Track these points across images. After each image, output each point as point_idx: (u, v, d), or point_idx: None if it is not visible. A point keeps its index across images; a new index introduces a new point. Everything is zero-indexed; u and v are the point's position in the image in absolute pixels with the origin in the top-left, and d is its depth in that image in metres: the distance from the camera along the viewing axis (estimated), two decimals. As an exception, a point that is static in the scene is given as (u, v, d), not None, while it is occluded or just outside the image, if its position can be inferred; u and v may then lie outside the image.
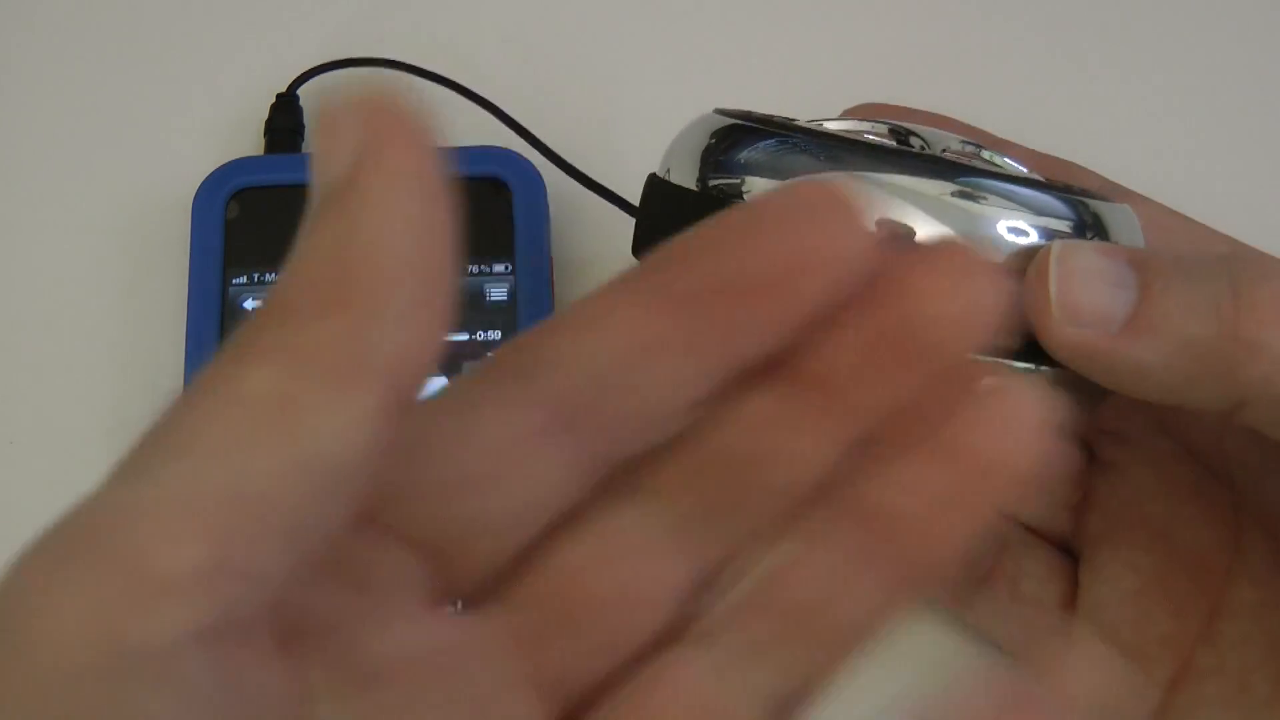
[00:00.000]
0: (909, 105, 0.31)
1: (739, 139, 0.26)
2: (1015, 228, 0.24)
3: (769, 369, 0.17)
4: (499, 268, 0.34)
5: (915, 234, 0.23)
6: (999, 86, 0.39)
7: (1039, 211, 0.24)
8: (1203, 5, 0.41)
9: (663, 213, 0.27)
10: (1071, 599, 0.29)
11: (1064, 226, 0.25)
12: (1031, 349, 0.24)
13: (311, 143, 0.15)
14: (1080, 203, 0.25)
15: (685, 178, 0.26)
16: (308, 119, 0.37)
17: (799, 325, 0.17)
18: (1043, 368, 0.24)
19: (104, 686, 0.13)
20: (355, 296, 0.15)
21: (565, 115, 0.37)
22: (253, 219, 0.34)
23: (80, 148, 0.38)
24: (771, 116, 0.26)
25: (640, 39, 0.40)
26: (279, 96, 0.37)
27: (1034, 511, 0.30)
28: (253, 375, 0.14)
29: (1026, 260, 0.24)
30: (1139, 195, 0.29)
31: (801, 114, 0.27)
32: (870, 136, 0.27)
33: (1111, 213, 0.25)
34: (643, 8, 0.41)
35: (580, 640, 0.17)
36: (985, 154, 0.26)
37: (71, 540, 0.14)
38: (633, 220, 0.29)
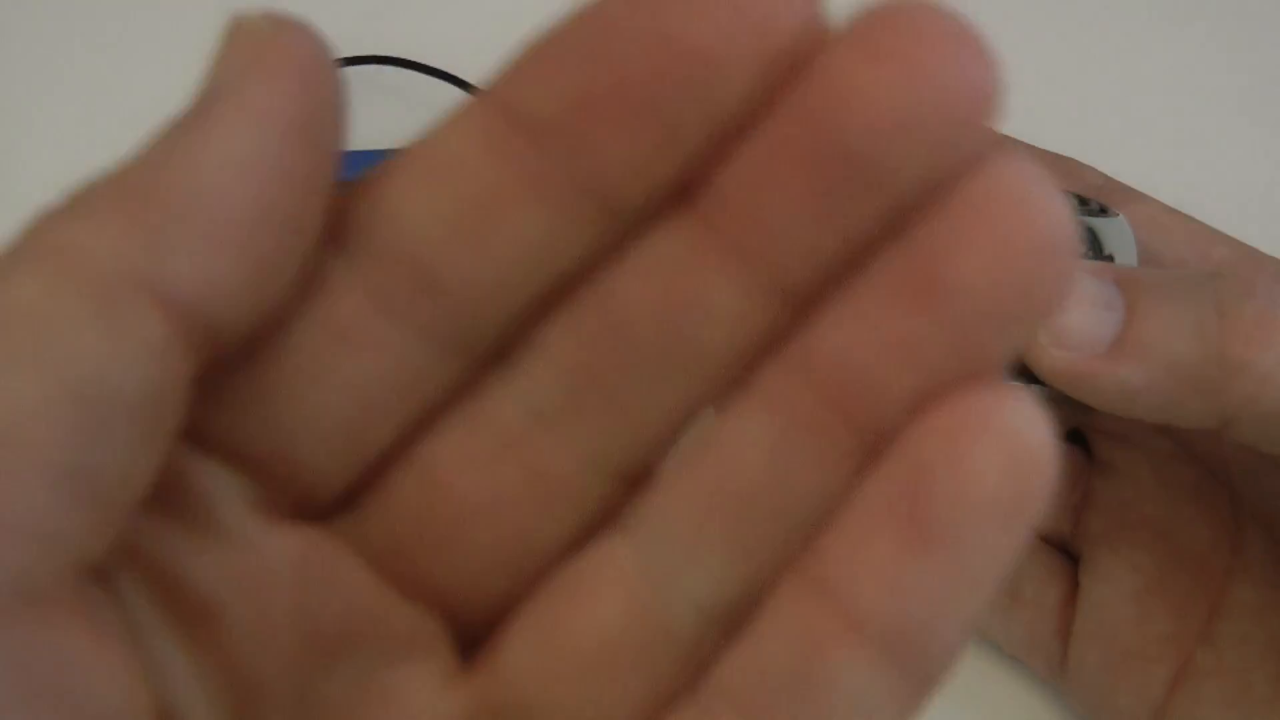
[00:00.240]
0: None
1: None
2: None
3: (678, 199, 0.14)
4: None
5: None
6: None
7: None
8: (1203, 5, 0.41)
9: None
10: (1071, 599, 0.29)
11: None
12: (1019, 366, 0.24)
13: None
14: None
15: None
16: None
17: (707, 142, 0.13)
18: (1032, 385, 0.24)
19: None
20: (151, 212, 0.13)
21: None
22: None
23: (80, 147, 0.38)
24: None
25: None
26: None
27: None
28: (18, 282, 0.12)
29: None
30: (1139, 194, 0.29)
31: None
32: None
33: (1105, 228, 0.25)
34: None
35: (457, 552, 0.15)
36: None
37: None
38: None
